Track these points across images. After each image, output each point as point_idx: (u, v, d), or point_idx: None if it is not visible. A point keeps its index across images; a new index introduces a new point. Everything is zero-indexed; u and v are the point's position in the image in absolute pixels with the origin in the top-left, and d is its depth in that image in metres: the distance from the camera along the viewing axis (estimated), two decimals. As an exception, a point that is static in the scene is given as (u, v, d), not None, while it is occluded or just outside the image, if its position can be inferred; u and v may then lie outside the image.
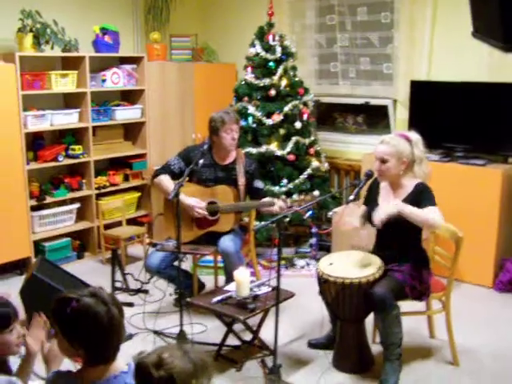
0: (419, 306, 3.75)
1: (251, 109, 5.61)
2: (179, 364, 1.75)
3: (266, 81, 5.63)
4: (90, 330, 1.96)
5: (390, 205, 3.43)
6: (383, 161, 3.53)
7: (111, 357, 2.03)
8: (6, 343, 2.43)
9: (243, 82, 5.80)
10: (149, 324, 4.29)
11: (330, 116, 6.62)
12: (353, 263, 3.66)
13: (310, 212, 5.35)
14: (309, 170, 5.64)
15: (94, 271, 5.42)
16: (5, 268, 5.32)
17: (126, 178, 6.32)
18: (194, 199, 4.36)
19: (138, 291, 4.85)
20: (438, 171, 4.25)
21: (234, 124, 4.41)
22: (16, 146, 5.20)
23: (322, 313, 3.85)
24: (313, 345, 4.00)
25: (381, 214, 3.38)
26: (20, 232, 5.33)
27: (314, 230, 5.62)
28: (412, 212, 3.34)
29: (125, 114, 6.14)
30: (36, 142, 5.61)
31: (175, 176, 4.43)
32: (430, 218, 3.34)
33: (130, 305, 4.65)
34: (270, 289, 3.78)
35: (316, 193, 5.49)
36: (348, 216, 3.69)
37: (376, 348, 3.78)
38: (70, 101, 5.85)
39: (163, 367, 1.75)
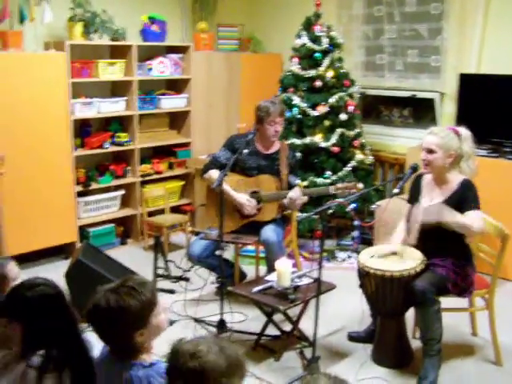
0: (461, 302, 3.69)
1: (296, 100, 5.60)
2: (213, 359, 1.75)
3: (312, 72, 5.60)
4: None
5: (430, 209, 3.40)
6: (430, 151, 3.47)
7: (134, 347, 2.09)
8: None
9: (289, 73, 5.78)
10: (189, 311, 4.33)
11: (376, 109, 6.55)
12: (394, 256, 3.62)
13: (354, 204, 5.32)
14: (353, 163, 5.60)
15: (136, 258, 5.48)
16: (51, 252, 5.44)
17: (170, 167, 6.38)
18: (244, 197, 4.38)
19: (179, 279, 4.89)
20: (485, 166, 4.16)
21: (278, 117, 4.40)
22: (64, 133, 5.30)
23: (362, 306, 3.82)
24: (352, 338, 3.98)
25: (420, 218, 3.36)
26: (66, 217, 5.43)
27: (356, 222, 5.58)
28: (452, 221, 3.31)
29: (170, 102, 6.19)
30: (83, 129, 5.70)
31: (223, 167, 4.45)
32: (467, 224, 3.30)
33: (172, 292, 4.70)
34: (311, 280, 3.77)
35: (360, 185, 5.45)
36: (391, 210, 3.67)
37: (416, 343, 3.74)
38: (116, 89, 5.93)
39: (197, 358, 1.76)
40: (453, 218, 3.31)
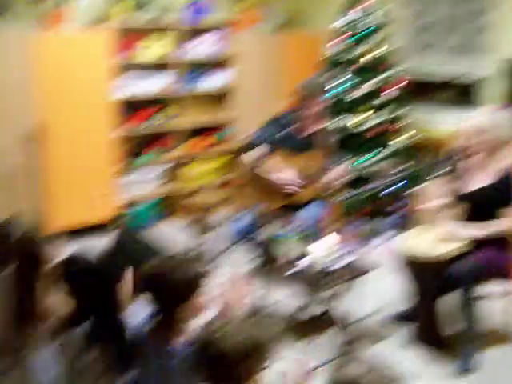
0: (502, 288, 3.64)
1: (337, 80, 5.54)
2: (239, 341, 1.77)
3: (355, 52, 5.53)
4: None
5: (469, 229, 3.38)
6: (478, 133, 3.41)
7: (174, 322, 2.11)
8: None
9: (331, 53, 5.72)
10: (226, 290, 4.36)
11: (420, 90, 6.44)
12: (434, 239, 3.58)
13: (393, 187, 5.27)
14: (394, 145, 5.54)
15: (176, 235, 5.53)
16: (92, 229, 5.53)
17: (214, 145, 6.40)
18: (285, 175, 4.38)
19: (217, 256, 4.92)
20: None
21: (316, 97, 4.38)
22: (108, 110, 5.37)
23: (400, 288, 3.81)
24: (390, 320, 3.97)
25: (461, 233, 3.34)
26: (108, 194, 5.52)
27: (395, 205, 5.53)
28: (492, 231, 3.27)
29: (213, 81, 6.20)
30: (127, 107, 5.76)
31: (264, 147, 4.44)
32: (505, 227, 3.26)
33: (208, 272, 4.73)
34: (349, 261, 3.76)
35: (401, 168, 5.39)
36: (433, 193, 3.62)
37: (454, 327, 3.70)
38: (161, 66, 5.96)
39: (223, 341, 1.78)
40: (490, 227, 3.27)
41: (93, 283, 2.30)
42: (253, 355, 1.76)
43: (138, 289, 2.40)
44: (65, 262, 2.38)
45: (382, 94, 5.52)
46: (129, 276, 2.59)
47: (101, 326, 2.29)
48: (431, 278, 3.48)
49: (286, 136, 4.36)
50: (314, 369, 3.30)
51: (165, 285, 2.08)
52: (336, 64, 5.61)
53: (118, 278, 2.38)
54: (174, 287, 2.08)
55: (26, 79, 4.81)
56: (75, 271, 2.32)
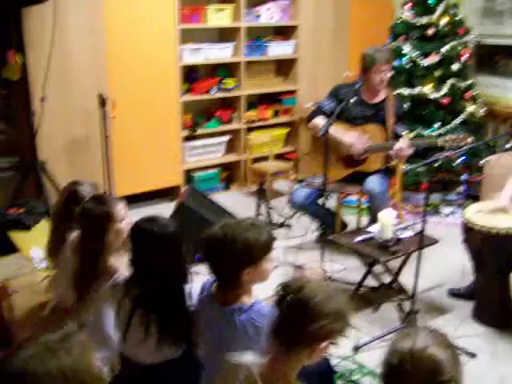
0: None
1: (407, 48, 5.41)
2: (321, 299, 1.75)
3: (425, 19, 5.38)
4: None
5: None
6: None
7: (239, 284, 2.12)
8: None
9: (400, 20, 5.58)
10: (289, 258, 4.39)
11: (492, 59, 6.22)
12: (502, 212, 3.48)
13: (462, 158, 5.14)
14: (463, 115, 5.40)
15: (239, 203, 5.56)
16: (157, 194, 5.64)
17: (276, 114, 6.38)
18: (353, 135, 4.32)
19: (281, 225, 4.95)
20: None
21: (384, 65, 4.28)
22: (172, 78, 5.42)
23: (464, 262, 3.74)
24: (453, 294, 3.91)
25: None
26: (172, 161, 5.60)
27: (463, 177, 5.41)
28: None
29: (277, 49, 6.15)
30: (191, 75, 5.79)
31: (328, 117, 4.40)
32: None
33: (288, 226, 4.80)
34: (413, 233, 3.71)
35: (470, 139, 5.24)
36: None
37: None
38: (224, 35, 5.95)
39: (304, 292, 1.76)
40: None
41: (159, 247, 2.33)
42: (334, 318, 1.75)
43: (201, 253, 2.43)
44: (132, 225, 2.42)
45: (456, 61, 5.34)
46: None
47: (160, 291, 2.33)
48: (498, 251, 3.39)
49: (351, 105, 4.29)
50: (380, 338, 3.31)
51: (237, 244, 2.08)
52: (410, 29, 5.46)
53: (182, 243, 2.40)
54: (248, 247, 2.08)
55: (95, 45, 4.88)
56: (142, 234, 2.36)
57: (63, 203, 3.04)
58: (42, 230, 3.99)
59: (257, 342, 2.07)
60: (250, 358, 1.88)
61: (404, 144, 4.15)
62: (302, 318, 1.72)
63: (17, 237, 4.03)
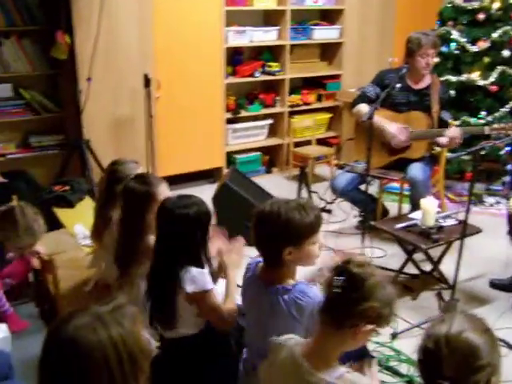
0: None
1: (455, 34, 5.31)
2: (376, 280, 1.76)
3: (476, 3, 5.26)
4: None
5: None
6: None
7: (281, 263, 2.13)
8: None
9: (449, 4, 5.47)
10: (330, 243, 4.37)
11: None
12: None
13: (508, 148, 5.05)
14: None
15: (280, 186, 5.58)
16: (199, 175, 5.68)
17: (319, 99, 6.35)
18: (396, 127, 4.28)
19: (322, 210, 4.93)
20: None
21: (430, 48, 4.21)
22: (217, 60, 5.44)
23: (508, 254, 3.68)
24: (494, 285, 3.86)
25: None
26: (215, 143, 5.63)
27: (509, 167, 5.30)
28: None
29: (323, 33, 6.11)
30: (235, 57, 5.80)
31: (372, 103, 4.35)
32: None
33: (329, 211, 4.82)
34: (456, 222, 3.66)
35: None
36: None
37: None
38: (269, 18, 5.93)
39: (364, 268, 1.77)
40: None
41: (169, 224, 2.37)
42: (384, 303, 1.75)
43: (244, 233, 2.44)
44: (163, 202, 2.45)
45: (507, 48, 5.21)
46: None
47: (157, 271, 2.39)
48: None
49: (396, 91, 4.24)
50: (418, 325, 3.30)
51: (281, 221, 2.09)
52: (459, 13, 5.35)
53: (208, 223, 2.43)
54: (290, 225, 2.09)
55: (142, 26, 4.92)
56: (160, 210, 2.40)
57: (106, 182, 3.08)
58: (85, 208, 4.07)
59: (301, 322, 2.08)
60: (293, 338, 1.89)
61: (456, 132, 4.08)
62: (356, 294, 1.73)
63: (61, 213, 4.11)
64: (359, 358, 2.09)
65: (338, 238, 4.44)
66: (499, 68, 5.22)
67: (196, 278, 2.29)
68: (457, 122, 5.12)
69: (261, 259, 2.24)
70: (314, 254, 2.16)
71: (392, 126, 4.27)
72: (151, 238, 2.64)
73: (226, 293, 2.47)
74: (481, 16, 5.24)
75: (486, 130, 4.03)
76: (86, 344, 1.32)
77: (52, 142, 5.05)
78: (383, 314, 1.76)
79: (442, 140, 4.15)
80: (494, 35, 5.20)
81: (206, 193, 4.64)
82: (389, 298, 1.77)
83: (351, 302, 1.73)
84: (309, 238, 2.12)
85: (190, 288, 2.28)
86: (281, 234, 2.09)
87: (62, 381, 1.34)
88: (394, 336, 3.27)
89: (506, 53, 5.22)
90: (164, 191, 2.79)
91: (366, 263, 1.80)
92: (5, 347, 2.77)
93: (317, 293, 2.06)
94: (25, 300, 3.60)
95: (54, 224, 3.88)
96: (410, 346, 2.90)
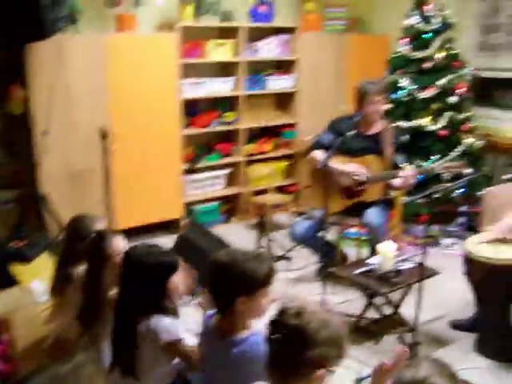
0: None
1: (404, 82, 5.48)
2: (316, 325, 1.75)
3: (422, 53, 5.45)
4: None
5: None
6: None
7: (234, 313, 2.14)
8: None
9: (397, 54, 5.66)
10: (290, 291, 4.38)
11: (489, 91, 6.28)
12: (503, 244, 3.48)
13: (463, 189, 5.16)
14: (461, 147, 5.43)
15: (240, 235, 5.56)
16: (158, 227, 5.64)
17: (276, 147, 6.42)
18: (352, 165, 4.35)
19: (281, 258, 4.95)
20: None
21: (376, 96, 4.34)
22: (173, 112, 5.48)
23: (465, 294, 3.73)
24: (455, 326, 3.89)
25: None
26: (173, 194, 5.63)
27: (463, 208, 5.42)
28: None
29: (277, 83, 6.23)
30: (192, 109, 5.85)
31: (327, 149, 4.42)
32: None
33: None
34: (414, 265, 3.71)
35: (468, 171, 5.27)
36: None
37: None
38: (225, 69, 6.03)
39: (301, 318, 1.76)
40: None
41: (130, 272, 2.37)
42: (330, 345, 1.74)
43: (201, 282, 2.43)
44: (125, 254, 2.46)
45: (453, 94, 5.40)
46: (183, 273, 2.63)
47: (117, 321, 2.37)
48: (500, 283, 3.39)
49: (350, 137, 4.33)
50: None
51: (235, 270, 2.10)
52: (407, 63, 5.53)
53: (173, 270, 2.43)
54: (245, 275, 2.09)
55: (97, 80, 4.95)
56: (124, 258, 2.40)
57: (67, 240, 3.07)
58: (43, 263, 4.00)
59: (254, 375, 2.06)
60: None
61: (410, 172, 4.17)
62: (299, 345, 1.72)
63: (18, 270, 4.03)
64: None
65: (298, 285, 4.44)
66: (447, 113, 5.39)
67: (169, 327, 2.29)
68: (410, 167, 5.23)
69: (215, 311, 2.24)
70: (266, 307, 2.17)
71: (349, 165, 4.35)
72: (113, 293, 2.62)
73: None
74: (427, 65, 5.43)
75: (436, 168, 4.14)
76: None
77: (7, 197, 4.96)
78: (331, 356, 1.74)
79: (396, 181, 4.23)
80: (441, 82, 5.39)
81: (164, 244, 4.62)
82: (333, 337, 1.76)
83: (296, 353, 1.72)
84: (262, 289, 2.13)
85: (164, 337, 2.27)
86: (234, 283, 2.10)
87: None
88: (359, 381, 3.26)
89: (452, 99, 5.40)
90: (120, 245, 2.79)
91: (301, 309, 1.79)
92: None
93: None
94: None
95: (11, 281, 3.80)
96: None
